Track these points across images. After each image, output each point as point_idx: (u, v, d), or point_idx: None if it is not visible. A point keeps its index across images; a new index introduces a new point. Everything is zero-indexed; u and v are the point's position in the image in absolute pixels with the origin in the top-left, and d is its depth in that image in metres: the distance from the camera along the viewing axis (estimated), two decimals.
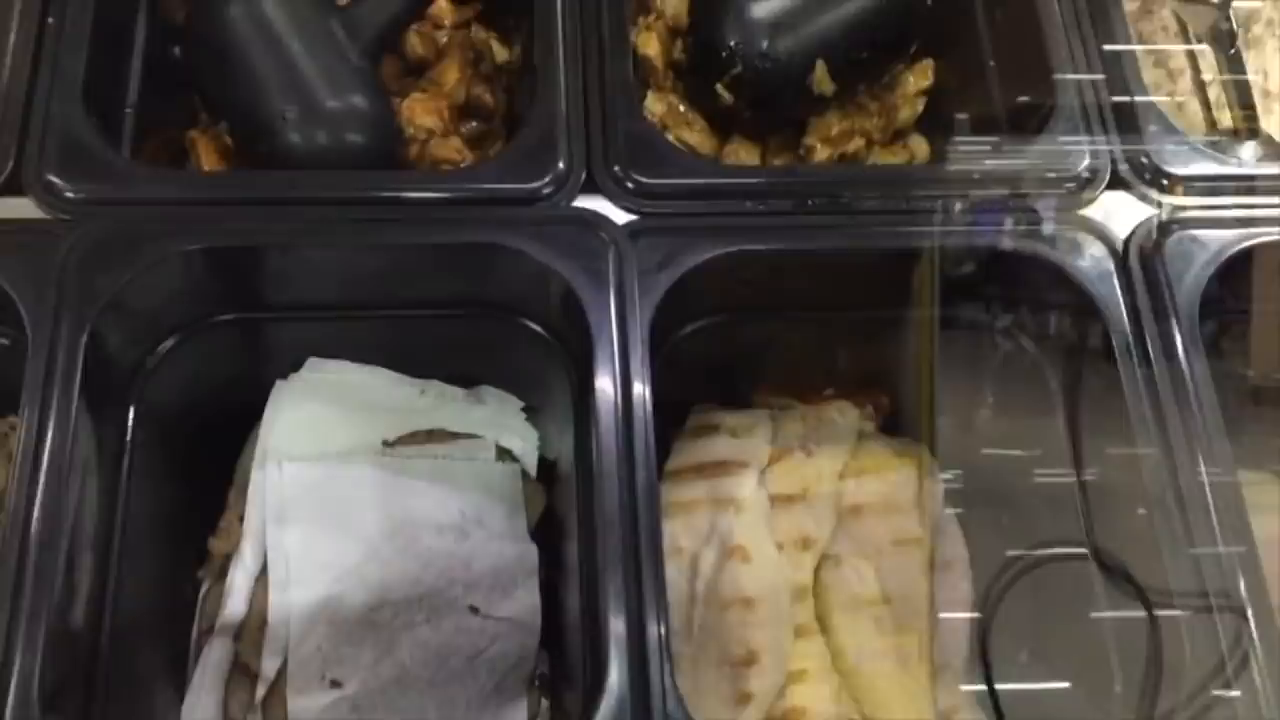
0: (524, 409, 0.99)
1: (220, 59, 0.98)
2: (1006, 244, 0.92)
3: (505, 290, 0.90)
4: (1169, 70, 1.11)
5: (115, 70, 0.97)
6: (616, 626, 0.75)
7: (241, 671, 0.88)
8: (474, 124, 1.06)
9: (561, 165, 0.90)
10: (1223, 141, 1.05)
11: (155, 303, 0.86)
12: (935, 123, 1.08)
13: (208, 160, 1.00)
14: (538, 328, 0.92)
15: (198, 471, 0.93)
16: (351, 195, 0.89)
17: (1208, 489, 0.84)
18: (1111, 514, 0.93)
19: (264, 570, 0.90)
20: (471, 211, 0.89)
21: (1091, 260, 0.91)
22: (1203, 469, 0.85)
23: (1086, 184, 0.94)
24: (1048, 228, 0.93)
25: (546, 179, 0.89)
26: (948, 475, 1.00)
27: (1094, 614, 0.92)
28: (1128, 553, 0.90)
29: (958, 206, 0.92)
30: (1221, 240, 0.91)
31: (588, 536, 0.80)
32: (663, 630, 0.76)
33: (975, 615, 0.98)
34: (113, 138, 0.94)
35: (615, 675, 0.74)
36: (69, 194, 0.87)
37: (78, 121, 0.89)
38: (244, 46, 0.97)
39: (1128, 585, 0.90)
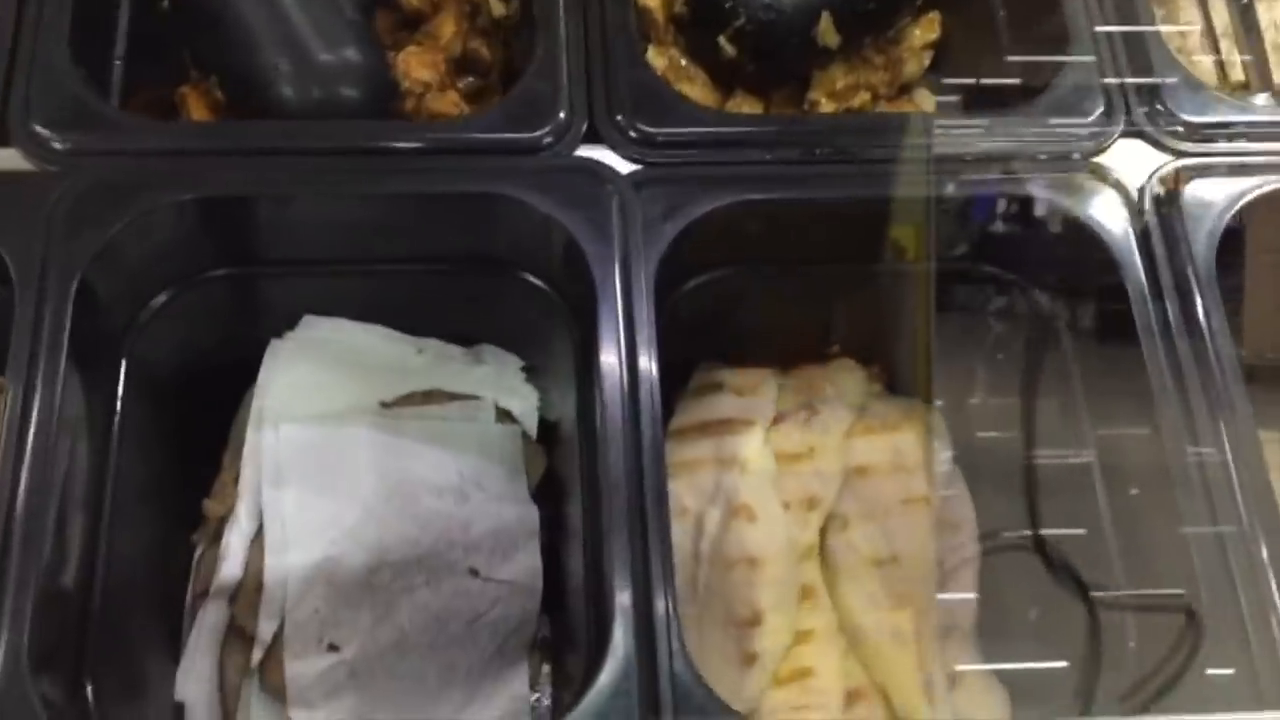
0: (524, 368, 0.97)
1: (211, 11, 0.95)
2: (1017, 193, 0.90)
3: (506, 243, 0.88)
4: (1180, 23, 1.09)
5: (103, 20, 0.95)
6: (621, 588, 0.73)
7: (237, 635, 0.86)
8: (470, 79, 1.04)
9: (562, 115, 0.88)
10: (1238, 93, 1.03)
11: (146, 256, 0.84)
12: (943, 76, 1.06)
13: (198, 115, 0.97)
14: (539, 282, 0.89)
15: (191, 432, 0.91)
16: (348, 145, 0.87)
17: (1227, 445, 0.82)
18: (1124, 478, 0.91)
19: (260, 533, 0.88)
20: (470, 161, 0.87)
21: (1105, 208, 0.89)
22: (1222, 426, 0.83)
23: (1100, 132, 0.91)
24: (1058, 179, 0.91)
25: (547, 128, 0.87)
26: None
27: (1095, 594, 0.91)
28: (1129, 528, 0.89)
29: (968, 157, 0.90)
30: (1239, 187, 0.89)
31: (592, 498, 0.78)
32: (669, 591, 0.74)
33: None
34: (101, 89, 0.91)
35: (620, 636, 0.72)
36: (56, 145, 0.84)
37: (65, 71, 0.86)
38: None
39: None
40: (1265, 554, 0.79)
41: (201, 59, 0.99)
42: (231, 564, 0.86)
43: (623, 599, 0.73)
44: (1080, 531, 0.92)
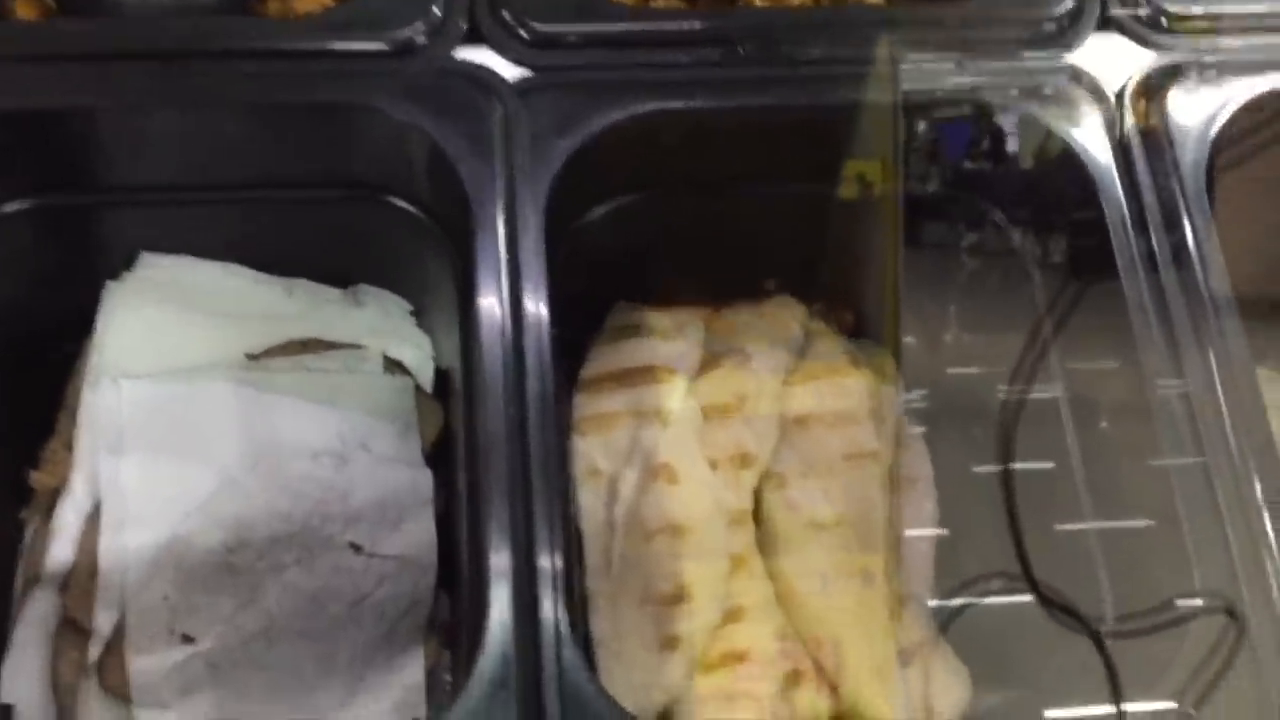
0: (413, 312, 0.85)
1: None
2: (980, 100, 0.78)
3: (374, 163, 0.77)
4: None
5: None
6: (499, 562, 0.62)
7: (70, 628, 0.75)
8: None
9: (436, 10, 0.75)
10: None
11: None
12: None
13: (24, 14, 0.84)
14: (416, 211, 0.78)
15: (21, 394, 0.78)
16: (187, 48, 0.75)
17: (1219, 387, 0.71)
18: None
19: (98, 508, 0.76)
20: (330, 65, 0.74)
21: (1080, 117, 0.77)
22: (1214, 365, 0.72)
23: (1071, 25, 0.80)
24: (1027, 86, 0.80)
25: (419, 26, 0.74)
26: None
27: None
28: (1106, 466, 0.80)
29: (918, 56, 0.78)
30: (1231, 89, 0.78)
31: (470, 458, 0.66)
32: (559, 564, 0.62)
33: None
34: None
35: (496, 616, 0.61)
36: None
37: None
38: None
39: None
40: (1259, 491, 0.69)
41: None
42: (62, 545, 0.75)
43: (499, 573, 0.61)
44: (1049, 465, 0.84)
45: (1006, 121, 0.82)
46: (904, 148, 0.82)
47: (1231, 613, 0.69)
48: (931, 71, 0.81)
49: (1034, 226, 0.86)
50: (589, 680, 0.61)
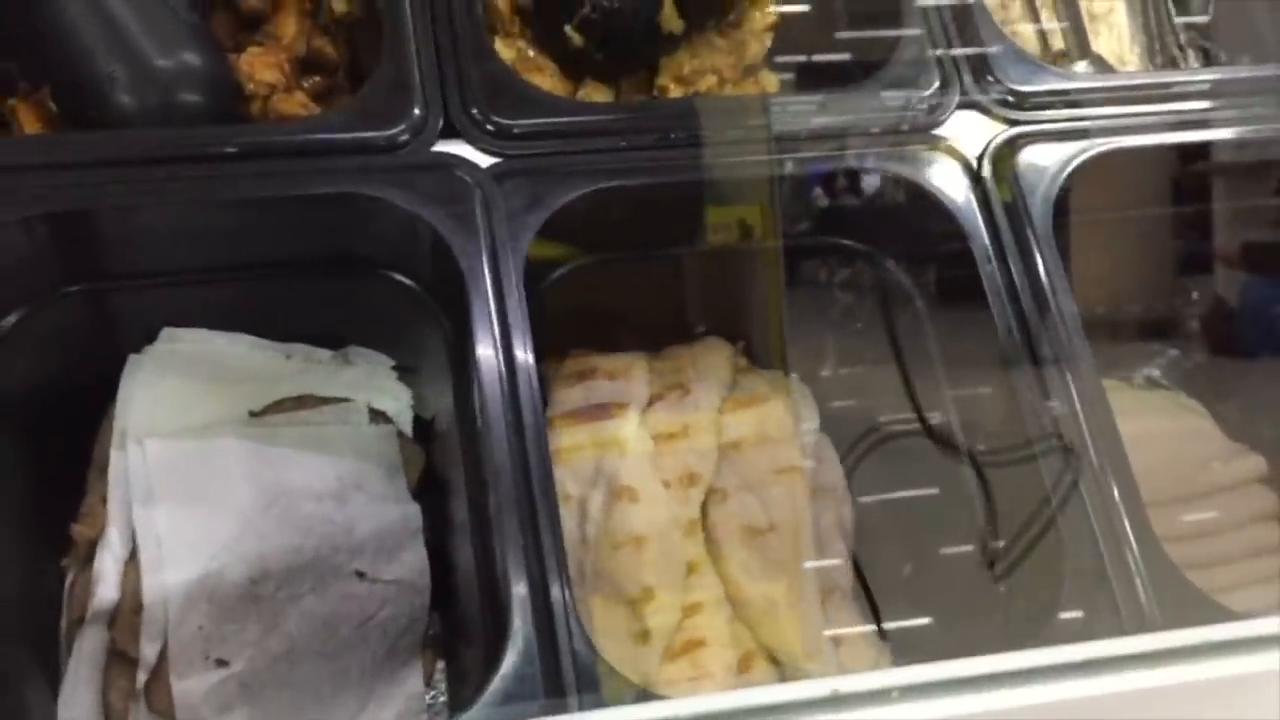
0: (395, 367, 0.97)
1: (37, 21, 0.91)
2: (863, 167, 0.93)
3: (369, 244, 0.87)
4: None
5: None
6: (516, 573, 0.74)
7: (118, 659, 0.84)
8: (316, 78, 1.02)
9: (418, 110, 0.87)
10: (1060, 61, 1.09)
11: None
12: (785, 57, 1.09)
13: (30, 129, 0.94)
14: (406, 280, 0.89)
15: (53, 456, 0.88)
16: (198, 151, 0.85)
17: (1073, 390, 0.87)
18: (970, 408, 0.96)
19: (134, 553, 0.86)
20: (327, 162, 0.85)
21: (948, 177, 0.93)
22: (1068, 375, 0.88)
23: (937, 104, 0.96)
24: (899, 151, 0.95)
25: (403, 125, 0.86)
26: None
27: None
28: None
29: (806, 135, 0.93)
30: (1069, 151, 0.94)
31: (477, 489, 0.78)
32: (563, 574, 0.75)
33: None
34: None
35: (519, 623, 0.73)
36: None
37: None
38: (61, 4, 0.91)
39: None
40: (1116, 493, 0.84)
41: (30, 70, 0.95)
42: (107, 587, 0.84)
43: (519, 587, 0.73)
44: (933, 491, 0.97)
45: (880, 175, 0.95)
46: (781, 193, 0.95)
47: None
48: (802, 115, 0.95)
49: (903, 263, 1.01)
50: (599, 661, 0.73)
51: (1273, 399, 1.09)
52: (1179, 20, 1.19)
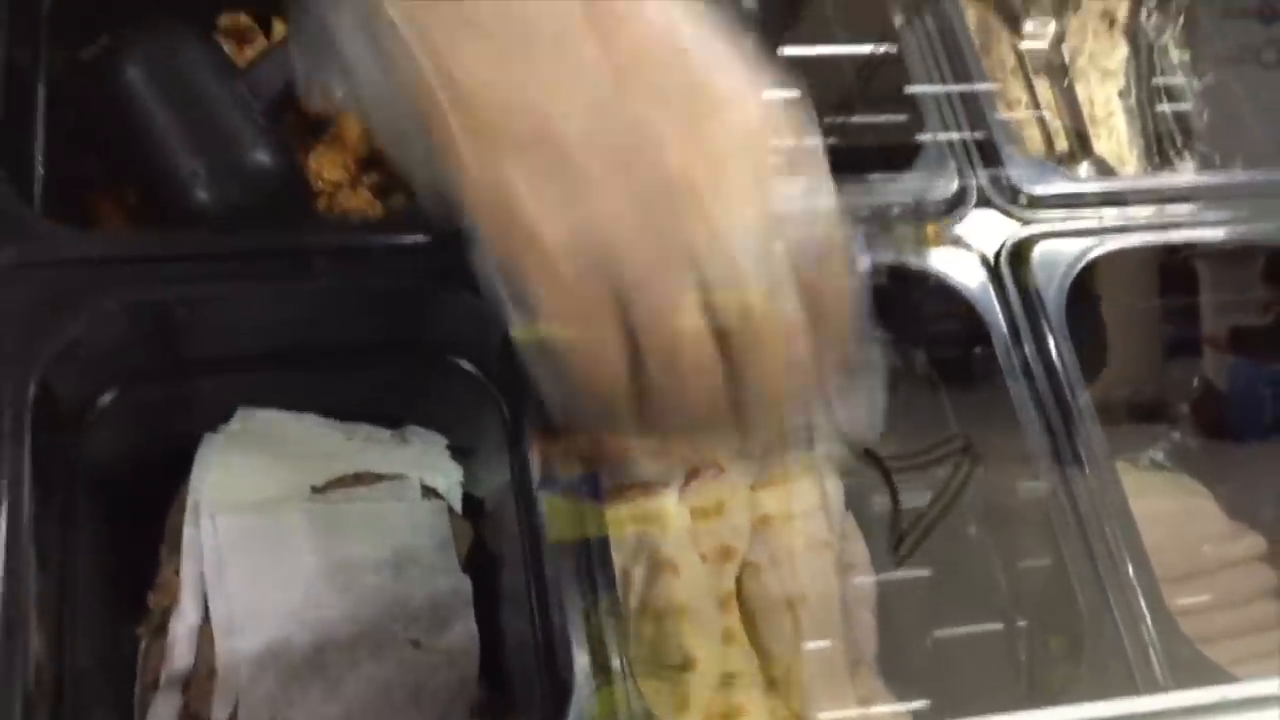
0: (449, 446, 1.03)
1: (123, 120, 0.98)
2: (890, 262, 1.00)
3: (437, 330, 0.93)
4: (1009, 101, 1.23)
5: (20, 130, 0.97)
6: (578, 642, 0.79)
7: None
8: (376, 175, 1.10)
9: None
10: (1065, 162, 1.17)
11: (91, 360, 0.86)
12: None
13: (114, 221, 1.01)
14: (469, 366, 0.95)
15: (130, 529, 0.93)
16: (277, 246, 0.91)
17: (1087, 473, 0.93)
18: None
19: (205, 620, 0.91)
20: (395, 259, 0.92)
21: (968, 273, 1.00)
22: (1083, 457, 0.94)
23: (956, 205, 1.03)
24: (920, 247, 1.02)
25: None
26: None
27: None
28: None
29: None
30: (1078, 248, 1.02)
31: (536, 560, 0.84)
32: (621, 642, 0.80)
33: None
34: (25, 196, 0.93)
35: (580, 687, 0.78)
36: None
37: None
38: (148, 107, 0.98)
39: None
40: (1131, 571, 0.90)
41: (113, 165, 1.02)
42: (182, 653, 0.89)
43: (580, 656, 0.78)
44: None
45: (905, 267, 1.02)
46: None
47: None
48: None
49: (924, 351, 1.07)
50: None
51: (1267, 479, 1.16)
52: (1174, 120, 1.27)
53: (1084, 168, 1.18)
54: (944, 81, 1.08)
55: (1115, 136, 1.26)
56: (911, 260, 1.01)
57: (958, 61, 1.08)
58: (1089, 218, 1.05)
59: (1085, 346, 1.02)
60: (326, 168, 1.03)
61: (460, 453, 1.01)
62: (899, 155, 1.04)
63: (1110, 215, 1.05)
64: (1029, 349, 0.98)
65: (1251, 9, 1.21)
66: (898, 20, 1.07)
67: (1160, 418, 1.21)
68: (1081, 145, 1.22)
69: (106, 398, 0.89)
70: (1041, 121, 1.21)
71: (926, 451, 1.03)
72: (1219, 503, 1.14)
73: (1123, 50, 1.28)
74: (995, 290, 0.99)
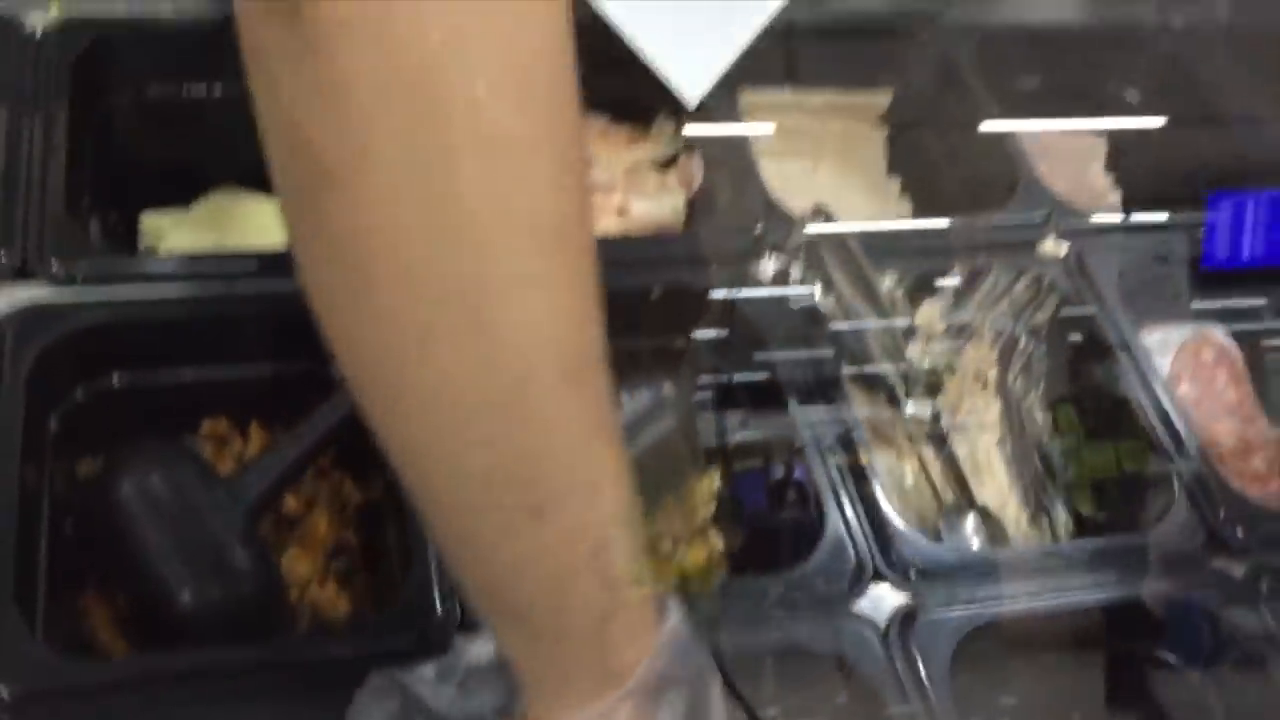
0: None
1: (114, 532, 1.11)
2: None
3: None
4: (901, 465, 1.41)
5: (28, 552, 1.09)
6: None
7: None
8: (338, 562, 1.23)
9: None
10: (951, 519, 1.34)
11: None
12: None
13: (102, 624, 1.13)
14: None
15: None
16: (275, 659, 1.04)
17: None
18: None
19: None
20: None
21: (861, 645, 1.14)
22: None
23: (855, 583, 1.18)
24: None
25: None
26: None
27: None
28: None
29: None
30: (964, 616, 1.16)
31: None
32: None
33: None
34: (28, 616, 1.04)
35: None
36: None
37: None
38: (136, 523, 1.10)
39: None
40: None
41: (106, 575, 1.15)
42: None
43: None
44: None
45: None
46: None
47: None
48: None
49: None
50: None
51: None
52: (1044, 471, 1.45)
53: (969, 522, 1.35)
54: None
55: (996, 484, 1.44)
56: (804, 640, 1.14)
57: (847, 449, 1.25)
58: (975, 587, 1.20)
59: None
60: (298, 566, 1.16)
61: None
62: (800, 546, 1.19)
63: (994, 585, 1.20)
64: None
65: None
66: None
67: None
68: (965, 497, 1.39)
69: None
70: (930, 482, 1.38)
71: None
72: None
73: (996, 406, 1.47)
74: (885, 662, 1.13)
